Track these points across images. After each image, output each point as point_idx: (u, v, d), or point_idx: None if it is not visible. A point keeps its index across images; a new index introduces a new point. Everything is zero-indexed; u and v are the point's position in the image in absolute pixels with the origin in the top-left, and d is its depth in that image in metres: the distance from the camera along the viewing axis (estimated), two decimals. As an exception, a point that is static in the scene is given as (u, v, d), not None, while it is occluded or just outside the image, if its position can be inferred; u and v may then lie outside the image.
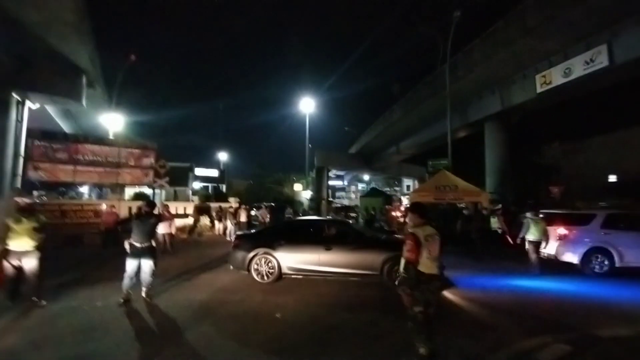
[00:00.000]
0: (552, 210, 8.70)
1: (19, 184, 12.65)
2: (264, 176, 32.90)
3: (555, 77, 14.00)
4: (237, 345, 3.53)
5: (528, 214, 7.48)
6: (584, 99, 18.25)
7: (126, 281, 4.84)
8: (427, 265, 2.98)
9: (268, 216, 16.54)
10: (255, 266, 6.30)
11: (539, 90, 14.81)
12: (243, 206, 16.29)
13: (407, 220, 3.36)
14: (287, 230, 6.97)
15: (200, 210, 16.19)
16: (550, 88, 14.32)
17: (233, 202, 18.55)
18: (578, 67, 13.03)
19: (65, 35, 12.47)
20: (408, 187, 47.04)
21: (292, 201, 28.01)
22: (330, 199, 41.08)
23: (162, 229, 9.44)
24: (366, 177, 50.84)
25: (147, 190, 17.63)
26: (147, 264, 4.92)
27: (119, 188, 17.03)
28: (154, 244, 5.07)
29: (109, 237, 10.91)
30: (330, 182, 46.71)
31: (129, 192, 20.20)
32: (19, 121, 13.06)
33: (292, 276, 6.20)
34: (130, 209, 13.12)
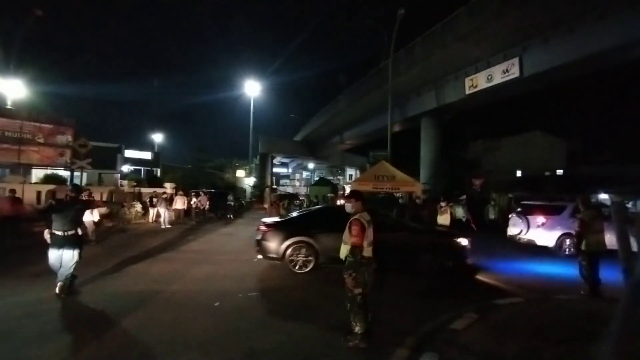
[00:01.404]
0: (531, 201, 10.21)
1: None
2: (205, 161, 31.05)
3: (481, 81, 15.63)
4: (170, 337, 3.30)
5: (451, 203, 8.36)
6: (504, 102, 20.73)
7: (56, 269, 4.41)
8: (368, 249, 3.14)
9: (207, 203, 15.75)
10: (291, 256, 5.96)
11: (467, 91, 16.40)
12: (180, 192, 15.23)
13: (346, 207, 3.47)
14: (323, 218, 6.57)
15: (131, 196, 14.70)
16: (476, 91, 15.96)
17: (169, 187, 17.23)
18: (497, 74, 14.74)
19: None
20: (351, 176, 48.81)
21: (233, 187, 27.00)
22: (274, 186, 40.66)
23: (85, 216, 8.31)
24: (311, 165, 51.38)
25: (64, 173, 15.32)
26: (68, 254, 4.38)
27: (22, 168, 14.48)
28: (79, 232, 4.57)
29: (9, 226, 9.25)
30: (275, 169, 46.19)
31: (39, 174, 17.38)
32: None
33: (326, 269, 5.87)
34: (39, 193, 11.32)
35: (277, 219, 7.22)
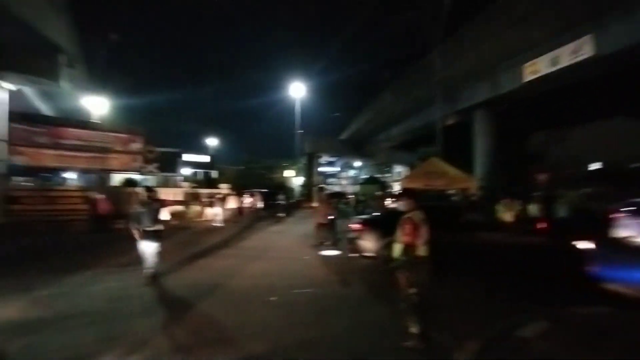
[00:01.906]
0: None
1: (3, 169, 12.22)
2: (255, 162, 32.69)
3: (543, 66, 14.15)
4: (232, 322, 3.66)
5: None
6: (569, 88, 18.59)
7: (146, 261, 5.16)
8: (422, 248, 3.12)
9: (260, 202, 16.57)
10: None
11: (526, 79, 14.98)
12: (233, 193, 16.25)
13: (397, 206, 3.49)
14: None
15: (191, 197, 16.05)
16: (537, 77, 14.50)
17: (224, 188, 18.45)
18: (564, 57, 13.17)
19: (42, 12, 11.88)
20: (399, 174, 47.57)
21: (283, 187, 28.00)
22: (322, 185, 41.22)
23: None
24: (357, 163, 51.07)
25: (136, 176, 17.31)
26: (152, 247, 5.14)
27: (106, 174, 16.66)
28: (160, 227, 5.27)
29: (98, 223, 10.79)
30: (322, 169, 46.78)
31: (118, 178, 19.76)
32: (-3, 103, 12.50)
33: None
34: (119, 195, 12.88)
35: (366, 217, 7.13)
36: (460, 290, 4.91)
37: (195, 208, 15.31)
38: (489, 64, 16.45)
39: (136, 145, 14.96)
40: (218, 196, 14.82)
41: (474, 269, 5.31)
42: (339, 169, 58.05)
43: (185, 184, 22.61)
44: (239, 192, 16.75)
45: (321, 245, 8.23)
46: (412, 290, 3.14)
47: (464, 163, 16.75)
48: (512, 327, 3.47)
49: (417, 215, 3.23)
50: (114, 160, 14.69)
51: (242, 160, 34.71)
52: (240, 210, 15.73)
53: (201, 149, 38.10)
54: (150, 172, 15.64)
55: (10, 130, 12.30)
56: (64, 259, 6.93)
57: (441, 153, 14.77)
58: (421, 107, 22.95)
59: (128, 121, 21.42)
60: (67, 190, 13.07)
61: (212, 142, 41.77)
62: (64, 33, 13.04)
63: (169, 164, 21.61)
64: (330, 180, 59.70)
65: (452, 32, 16.83)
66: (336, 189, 45.11)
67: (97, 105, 18.22)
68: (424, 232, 3.19)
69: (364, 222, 6.40)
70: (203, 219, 14.97)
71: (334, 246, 8.18)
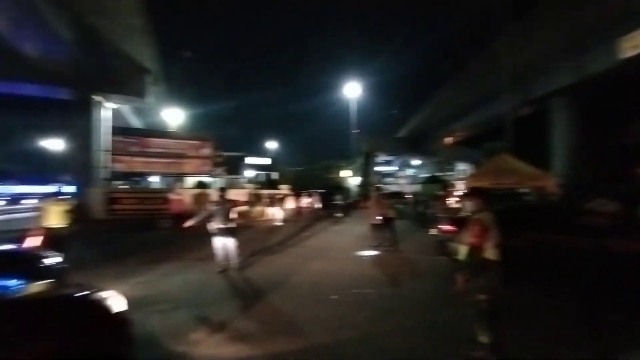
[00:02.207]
0: None
1: (106, 175, 14.55)
2: (313, 163, 33.54)
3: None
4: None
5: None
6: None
7: (219, 256, 5.75)
8: (491, 251, 2.95)
9: (318, 202, 16.95)
10: None
11: (623, 55, 12.77)
12: (292, 193, 16.88)
13: (462, 206, 3.30)
14: (522, 216, 5.65)
15: (254, 197, 17.12)
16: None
17: (285, 189, 19.27)
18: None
19: (133, 39, 13.80)
20: (462, 172, 44.49)
21: (340, 187, 28.24)
22: (379, 185, 40.54)
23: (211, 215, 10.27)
24: (416, 162, 48.97)
25: (202, 179, 19.13)
26: (230, 242, 5.73)
27: (182, 177, 18.74)
28: (234, 225, 5.82)
29: (177, 221, 12.14)
30: (379, 168, 45.94)
31: (191, 180, 22.02)
32: (100, 120, 14.88)
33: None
34: (194, 196, 14.39)
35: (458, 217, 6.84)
36: (547, 302, 4.43)
37: (258, 208, 16.29)
38: (572, 41, 14.38)
39: (206, 151, 16.51)
40: (278, 196, 15.56)
41: (566, 278, 4.61)
42: (396, 168, 56.39)
43: (249, 185, 24.19)
44: (297, 192, 17.35)
45: (379, 246, 8.15)
46: (482, 296, 2.95)
47: (538, 158, 14.98)
48: (611, 353, 3.04)
49: (487, 216, 3.03)
50: (188, 164, 16.43)
51: (301, 162, 35.89)
52: (298, 210, 16.29)
53: (262, 152, 40.29)
54: (218, 175, 17.13)
55: (112, 142, 14.56)
56: (150, 252, 7.97)
57: (511, 148, 13.44)
58: (487, 99, 21.16)
59: (199, 129, 23.75)
60: (152, 192, 15.01)
61: (272, 145, 43.90)
62: (149, 56, 15.02)
63: (234, 166, 23.35)
64: (388, 179, 58.30)
65: (522, 11, 15.16)
66: (394, 188, 43.96)
67: (174, 116, 20.60)
68: (494, 234, 2.98)
69: (457, 223, 6.01)
70: (264, 218, 15.85)
71: (392, 247, 8.03)
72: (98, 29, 13.05)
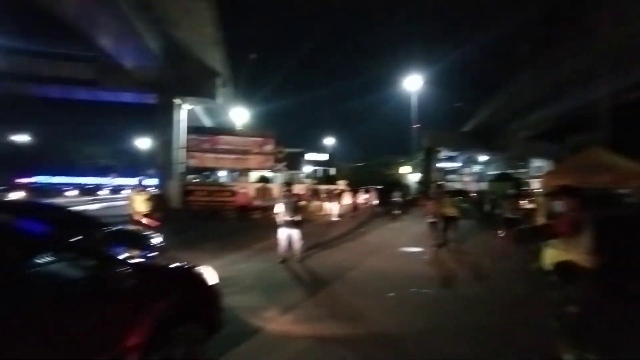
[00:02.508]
0: None
1: (182, 169, 16.35)
2: (371, 158, 33.12)
3: None
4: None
5: None
6: None
7: (282, 246, 6.14)
8: (583, 258, 2.59)
9: (375, 199, 16.73)
10: None
11: None
12: (349, 189, 16.92)
13: (544, 206, 2.93)
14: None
15: (312, 193, 17.57)
16: None
17: (342, 184, 19.41)
18: None
19: (205, 45, 15.12)
20: (539, 168, 39.71)
21: (399, 184, 27.43)
22: (440, 182, 38.41)
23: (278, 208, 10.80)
24: (483, 158, 45.07)
25: (265, 174, 20.18)
26: (295, 234, 6.10)
27: (246, 172, 20.08)
28: (299, 217, 6.18)
29: (242, 213, 13.10)
30: (441, 164, 43.43)
31: (254, 175, 23.43)
32: (179, 120, 16.68)
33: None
34: (257, 190, 15.35)
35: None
36: None
37: (316, 203, 16.70)
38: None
39: (268, 147, 17.39)
40: (335, 192, 15.75)
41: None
42: (460, 164, 52.64)
43: (307, 180, 24.87)
44: (355, 188, 17.33)
45: (439, 245, 7.79)
46: (570, 308, 2.60)
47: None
48: None
49: (580, 217, 2.65)
50: (252, 160, 17.52)
51: (359, 158, 35.70)
52: (355, 206, 16.28)
53: (320, 148, 41.01)
54: (279, 170, 17.96)
55: (187, 140, 16.25)
56: (218, 241, 8.71)
57: (606, 141, 11.55)
58: (570, 87, 18.48)
59: (262, 126, 25.11)
60: (220, 186, 16.38)
61: (330, 141, 44.44)
62: (219, 60, 16.33)
63: (294, 162, 24.21)
64: (451, 176, 54.77)
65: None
66: (457, 186, 41.14)
67: (239, 115, 22.11)
68: (587, 239, 2.60)
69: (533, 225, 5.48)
70: (322, 213, 16.20)
71: (454, 247, 7.61)
72: (177, 40, 14.61)
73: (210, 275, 2.85)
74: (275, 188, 15.39)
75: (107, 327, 2.01)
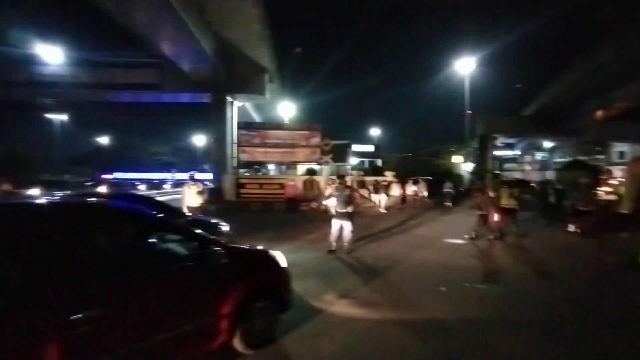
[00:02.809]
0: None
1: (234, 164, 17.37)
2: (419, 148, 31.85)
3: None
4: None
5: None
6: None
7: (333, 236, 6.35)
8: None
9: (425, 190, 16.10)
10: None
11: None
12: (396, 180, 16.49)
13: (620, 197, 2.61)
14: None
15: (358, 184, 17.49)
16: None
17: (389, 176, 19.03)
18: None
19: (253, 43, 15.71)
20: (621, 154, 34.84)
21: (450, 174, 26.05)
22: (497, 171, 35.57)
23: (331, 201, 10.95)
24: (548, 144, 40.72)
25: (312, 167, 20.51)
26: (347, 225, 6.26)
27: (293, 165, 20.61)
28: (351, 209, 6.29)
29: (290, 205, 13.55)
30: (497, 152, 40.22)
31: (301, 168, 23.98)
32: (231, 117, 17.67)
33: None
34: (304, 182, 15.75)
35: None
36: None
37: (363, 194, 16.58)
38: None
39: (315, 140, 17.60)
40: (383, 183, 15.48)
41: None
42: (518, 152, 48.15)
43: (354, 172, 24.78)
44: (403, 179, 16.86)
45: (493, 239, 7.40)
46: None
47: None
48: None
49: None
50: (299, 153, 17.89)
51: (406, 147, 34.55)
52: (403, 198, 15.84)
53: (367, 139, 40.43)
54: (325, 163, 18.12)
55: (238, 135, 17.17)
56: (271, 231, 9.13)
57: None
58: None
59: (308, 119, 25.51)
60: (269, 179, 17.08)
61: (376, 132, 43.59)
62: (266, 55, 16.88)
63: (340, 154, 24.23)
64: (509, 165, 50.46)
65: None
66: (516, 175, 37.75)
67: (286, 109, 22.69)
68: None
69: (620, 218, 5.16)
70: (369, 205, 16.06)
71: (514, 241, 7.13)
72: (228, 40, 15.39)
73: (281, 258, 3.24)
74: (322, 180, 15.62)
75: (206, 296, 2.50)
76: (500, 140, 38.88)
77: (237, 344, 2.66)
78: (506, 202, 7.56)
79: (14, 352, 1.68)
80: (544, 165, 40.18)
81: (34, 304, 1.78)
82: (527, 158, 47.35)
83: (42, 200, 2.72)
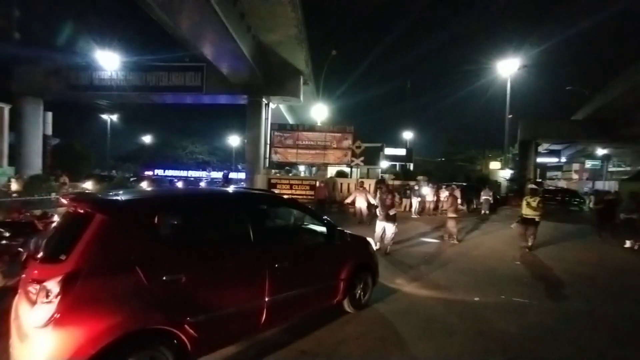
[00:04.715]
0: None
1: (267, 164, 17.83)
2: (454, 153, 30.66)
3: None
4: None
5: None
6: None
7: (377, 237, 6.58)
8: None
9: (460, 197, 15.45)
10: None
11: None
12: (429, 185, 15.98)
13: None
14: None
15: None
16: None
17: (421, 180, 18.54)
18: None
19: (290, 46, 16.06)
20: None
21: (486, 181, 24.83)
22: (539, 179, 33.33)
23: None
24: (602, 151, 37.44)
25: (343, 169, 20.46)
26: (389, 227, 6.51)
27: (324, 166, 20.72)
28: (393, 212, 6.57)
29: (320, 207, 13.63)
30: (540, 159, 37.71)
31: (332, 170, 24.03)
32: (266, 118, 18.17)
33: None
34: (334, 184, 15.78)
35: None
36: None
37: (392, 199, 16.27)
38: None
39: (347, 142, 17.61)
40: (416, 188, 15.11)
41: None
42: (564, 159, 44.75)
43: (385, 175, 24.42)
44: (436, 185, 16.35)
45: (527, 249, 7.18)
46: None
47: None
48: None
49: None
50: (331, 155, 17.99)
51: (441, 152, 33.43)
52: (436, 204, 15.34)
53: (400, 143, 39.62)
54: (356, 165, 18.03)
55: (271, 136, 17.60)
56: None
57: None
58: None
59: (341, 121, 25.51)
60: (300, 179, 17.31)
61: (409, 135, 42.59)
62: (302, 58, 17.18)
63: (372, 157, 23.96)
64: (553, 173, 47.11)
65: None
66: (561, 184, 35.18)
67: (319, 111, 22.86)
68: None
69: None
70: (400, 209, 15.73)
71: (560, 254, 6.66)
72: (265, 43, 15.86)
73: (372, 243, 4.35)
74: (352, 183, 15.56)
75: (333, 266, 3.51)
76: (544, 147, 36.39)
77: (346, 304, 3.60)
78: (525, 211, 7.19)
79: (250, 282, 2.73)
80: (594, 174, 37.06)
81: (263, 257, 2.82)
82: (575, 166, 43.94)
83: (242, 190, 4.41)
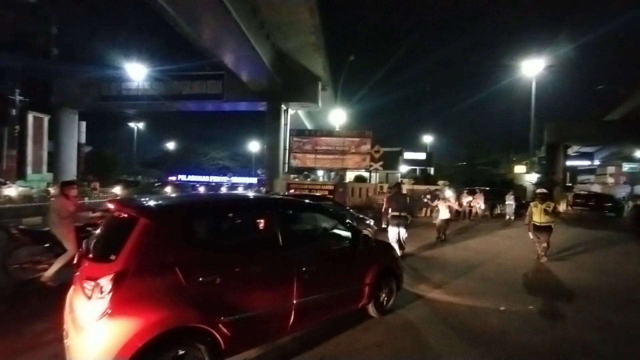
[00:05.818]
0: None
1: (286, 169, 18.03)
2: (476, 157, 29.75)
3: None
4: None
5: None
6: None
7: (392, 241, 6.46)
8: None
9: (482, 202, 14.99)
10: None
11: None
12: (450, 189, 15.57)
13: None
14: None
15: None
16: None
17: (442, 185, 18.12)
18: None
19: (308, 53, 16.26)
20: None
21: (511, 185, 23.92)
22: (569, 183, 31.72)
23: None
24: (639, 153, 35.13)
25: (361, 174, 20.31)
26: (403, 230, 6.44)
27: (343, 171, 20.70)
28: (407, 215, 6.51)
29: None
30: (570, 162, 35.89)
31: (350, 175, 23.94)
32: (285, 124, 18.41)
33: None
34: (352, 189, 15.70)
35: None
36: None
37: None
38: None
39: (365, 147, 17.53)
40: (437, 192, 14.76)
41: None
42: (597, 162, 42.31)
43: (405, 180, 24.04)
44: (458, 189, 15.90)
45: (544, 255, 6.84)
46: None
47: None
48: None
49: None
50: (349, 160, 17.96)
51: (462, 156, 32.52)
52: (458, 209, 14.88)
53: (420, 147, 38.98)
54: (375, 170, 17.87)
55: (290, 142, 17.80)
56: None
57: None
58: None
59: (359, 126, 25.44)
60: (318, 184, 17.34)
61: (429, 139, 41.85)
62: (320, 64, 17.34)
63: (391, 161, 23.72)
64: (584, 177, 44.64)
65: None
66: (595, 189, 33.24)
67: (337, 116, 22.90)
68: None
69: None
70: (421, 215, 15.41)
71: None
72: (284, 50, 16.14)
73: (396, 248, 4.43)
74: (371, 187, 15.41)
75: (359, 270, 3.51)
76: (573, 149, 34.61)
77: (371, 308, 3.60)
78: (540, 219, 6.74)
79: (279, 284, 2.77)
80: (633, 179, 34.79)
81: (291, 260, 2.87)
82: (611, 169, 41.40)
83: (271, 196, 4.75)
